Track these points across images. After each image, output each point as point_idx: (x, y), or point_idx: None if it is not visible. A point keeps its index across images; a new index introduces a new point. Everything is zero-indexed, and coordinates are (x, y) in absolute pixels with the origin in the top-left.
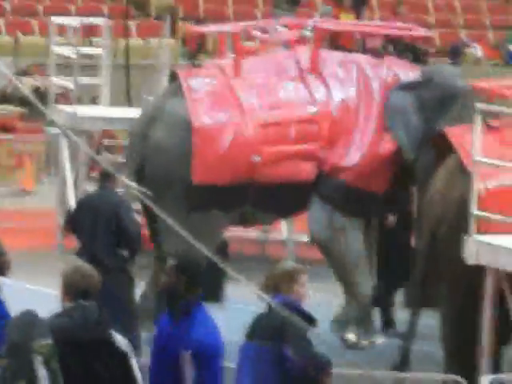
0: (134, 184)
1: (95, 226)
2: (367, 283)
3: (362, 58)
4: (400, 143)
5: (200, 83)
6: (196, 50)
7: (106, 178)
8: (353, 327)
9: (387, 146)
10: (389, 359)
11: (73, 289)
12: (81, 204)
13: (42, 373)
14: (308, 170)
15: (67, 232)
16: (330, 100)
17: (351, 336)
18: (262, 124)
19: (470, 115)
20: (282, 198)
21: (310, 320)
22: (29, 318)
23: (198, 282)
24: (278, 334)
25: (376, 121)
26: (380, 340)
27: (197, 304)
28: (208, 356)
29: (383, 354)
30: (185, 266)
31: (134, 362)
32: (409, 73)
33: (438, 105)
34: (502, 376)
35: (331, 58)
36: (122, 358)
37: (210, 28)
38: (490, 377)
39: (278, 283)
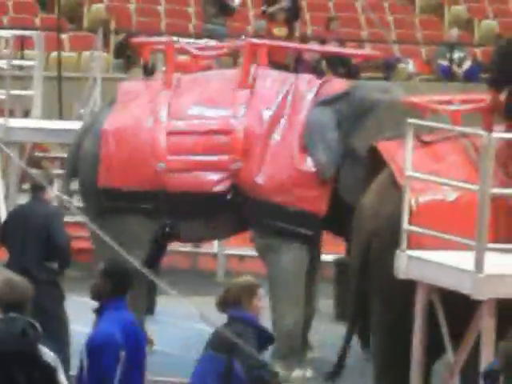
0: (64, 196)
1: (25, 238)
2: (292, 315)
3: (299, 77)
4: (315, 161)
5: (131, 93)
6: (127, 62)
7: (37, 189)
8: (278, 361)
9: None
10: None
11: (2, 301)
12: (11, 215)
13: None
14: (216, 182)
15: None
16: (249, 113)
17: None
18: (170, 132)
19: (390, 128)
20: (194, 209)
21: (268, 336)
22: None
23: (125, 286)
24: (231, 345)
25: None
26: (308, 373)
27: (114, 306)
28: (98, 348)
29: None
30: (112, 270)
31: (62, 377)
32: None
33: (355, 119)
34: None
35: (265, 74)
36: (49, 372)
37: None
38: None
39: (239, 297)
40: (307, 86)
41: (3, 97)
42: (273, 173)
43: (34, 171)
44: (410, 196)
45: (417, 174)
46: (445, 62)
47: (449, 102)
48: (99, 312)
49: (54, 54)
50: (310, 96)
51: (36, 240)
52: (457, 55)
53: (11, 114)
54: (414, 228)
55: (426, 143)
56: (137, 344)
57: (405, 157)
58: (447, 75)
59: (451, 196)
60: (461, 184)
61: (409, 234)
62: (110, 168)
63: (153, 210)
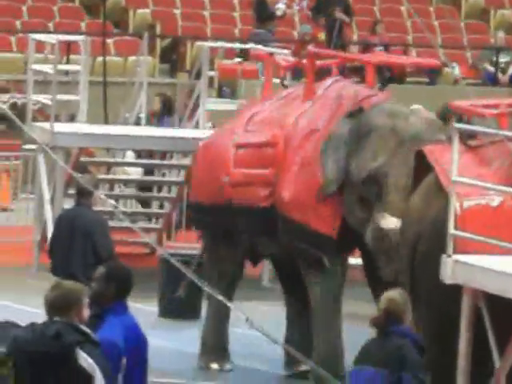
0: (111, 201)
1: (71, 244)
2: (325, 342)
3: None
4: (323, 174)
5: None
6: (173, 66)
7: (82, 194)
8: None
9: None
10: None
11: (46, 305)
12: (59, 221)
13: None
14: (263, 197)
15: (48, 254)
16: (294, 125)
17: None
18: (238, 145)
19: (383, 156)
20: (253, 224)
21: (422, 350)
22: None
23: (126, 290)
24: (398, 360)
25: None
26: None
27: (114, 311)
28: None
29: None
30: (114, 274)
31: None
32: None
33: (356, 140)
34: None
35: (334, 87)
36: (84, 377)
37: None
38: None
39: (402, 311)
40: (345, 101)
41: (49, 102)
42: (295, 188)
43: (79, 176)
44: (455, 200)
45: (462, 179)
46: (490, 67)
47: (495, 106)
48: (100, 317)
49: (100, 58)
50: (343, 112)
51: (81, 246)
52: (503, 59)
53: (57, 119)
54: (459, 233)
55: (471, 147)
56: (138, 348)
57: (450, 161)
58: (493, 80)
59: (496, 200)
60: (506, 188)
61: (454, 239)
62: (194, 183)
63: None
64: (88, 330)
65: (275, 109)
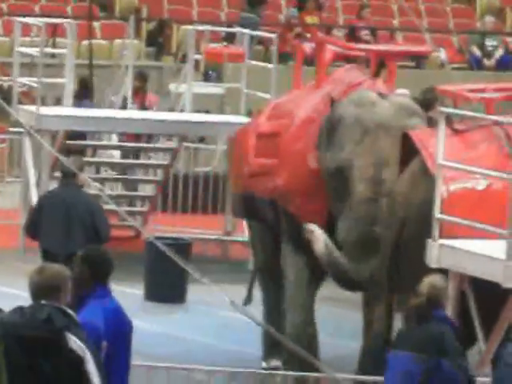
0: (96, 184)
1: (69, 224)
2: (290, 321)
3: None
4: (321, 162)
5: None
6: (159, 50)
7: (68, 175)
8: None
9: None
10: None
11: (32, 288)
12: (44, 204)
13: None
14: (271, 188)
15: (29, 236)
16: (293, 114)
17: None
18: (258, 134)
19: (350, 147)
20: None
21: (462, 336)
22: None
23: (105, 273)
24: (437, 345)
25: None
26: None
27: (94, 294)
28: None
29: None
30: (89, 257)
31: (90, 367)
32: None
33: (326, 132)
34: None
35: (341, 76)
36: (75, 360)
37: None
38: None
39: (443, 296)
40: (342, 88)
41: (35, 85)
42: (287, 177)
43: (64, 158)
44: (441, 184)
45: (448, 163)
46: (477, 51)
47: (482, 91)
48: (80, 300)
49: (86, 42)
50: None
51: (82, 226)
52: (489, 43)
53: (43, 102)
54: (445, 217)
55: (458, 131)
56: (120, 331)
57: (437, 145)
58: (479, 64)
59: (482, 184)
60: (492, 172)
61: (440, 223)
62: (231, 172)
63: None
64: (72, 313)
65: (294, 98)
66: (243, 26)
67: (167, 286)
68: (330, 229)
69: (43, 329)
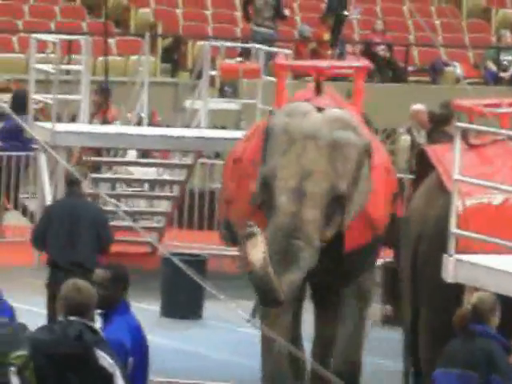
0: (113, 200)
1: (75, 232)
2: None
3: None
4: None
5: None
6: (174, 66)
7: (72, 184)
8: None
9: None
10: None
11: (66, 304)
12: (51, 213)
13: (14, 382)
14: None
15: (38, 249)
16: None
17: None
18: (234, 159)
19: (275, 158)
20: None
21: (509, 350)
22: (8, 330)
23: (127, 289)
24: (487, 362)
25: None
26: None
27: (120, 310)
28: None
29: None
30: (121, 275)
31: (119, 383)
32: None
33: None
34: None
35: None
36: (105, 377)
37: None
38: None
39: (486, 312)
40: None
41: (50, 101)
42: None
43: (69, 166)
44: (457, 199)
45: (465, 178)
46: (492, 66)
47: (497, 106)
48: (105, 316)
49: (101, 58)
50: None
51: (88, 235)
52: (505, 58)
53: (58, 119)
54: (461, 231)
55: (473, 146)
56: (142, 348)
57: (452, 160)
58: (495, 78)
59: (498, 199)
60: (508, 187)
61: (456, 238)
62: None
63: None
64: (99, 330)
65: None
66: (258, 41)
67: (183, 302)
68: None
69: (74, 345)
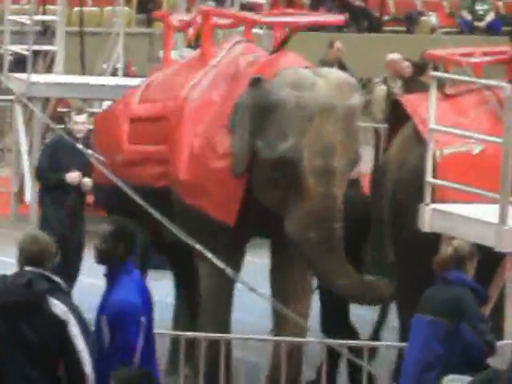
0: (89, 151)
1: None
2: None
3: (245, 57)
4: (233, 151)
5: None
6: (149, 17)
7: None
8: None
9: (222, 160)
10: None
11: (21, 255)
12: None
13: None
14: (156, 175)
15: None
16: (187, 96)
17: None
18: (132, 118)
19: (293, 134)
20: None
21: (484, 297)
22: None
23: (134, 248)
24: (456, 310)
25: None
26: None
27: (126, 269)
28: (120, 317)
29: None
30: (123, 233)
31: (74, 330)
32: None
33: (259, 115)
34: None
35: (231, 52)
36: (58, 324)
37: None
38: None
39: (463, 259)
40: (246, 67)
41: (26, 52)
42: (191, 168)
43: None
44: (433, 149)
45: (440, 127)
46: (467, 15)
47: (471, 55)
48: (110, 276)
49: (77, 9)
50: (245, 79)
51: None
52: (480, 8)
53: (34, 70)
54: (437, 181)
55: (448, 96)
56: (149, 303)
57: (428, 109)
58: (470, 28)
59: (475, 149)
60: (484, 137)
61: (432, 187)
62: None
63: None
64: (59, 280)
65: (171, 78)
66: None
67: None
68: (248, 223)
69: (22, 293)
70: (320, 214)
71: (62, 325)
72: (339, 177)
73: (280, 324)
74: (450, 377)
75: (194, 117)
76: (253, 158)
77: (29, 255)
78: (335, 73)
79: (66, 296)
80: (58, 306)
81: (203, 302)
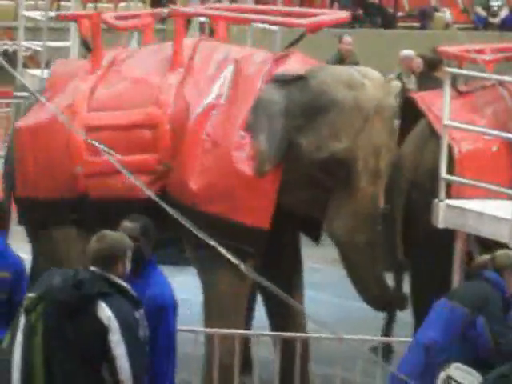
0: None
1: None
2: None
3: (245, 57)
4: (258, 149)
5: (64, 76)
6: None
7: None
8: None
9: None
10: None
11: (87, 255)
12: None
13: (22, 323)
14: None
15: None
16: (177, 100)
17: None
18: (89, 127)
19: (346, 135)
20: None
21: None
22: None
23: (153, 245)
24: (480, 303)
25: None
26: None
27: (154, 265)
28: (158, 311)
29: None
30: (148, 227)
31: (115, 338)
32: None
33: (306, 113)
34: None
35: (206, 50)
36: (100, 329)
37: None
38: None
39: (505, 267)
40: (256, 67)
41: (40, 48)
42: (206, 175)
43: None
44: (448, 145)
45: (454, 123)
46: (482, 12)
47: (483, 52)
48: (136, 271)
49: (91, 5)
50: (259, 78)
51: None
52: (495, 3)
53: (47, 66)
54: (451, 177)
55: (462, 93)
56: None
57: (442, 106)
58: (484, 24)
59: (491, 145)
60: (499, 133)
61: (448, 184)
62: (23, 175)
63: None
64: (121, 283)
65: (127, 81)
66: None
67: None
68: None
69: (71, 294)
70: (368, 214)
71: (103, 330)
72: (382, 179)
73: (286, 323)
74: (455, 365)
75: (203, 121)
76: (286, 157)
77: (93, 255)
78: (374, 72)
79: (120, 301)
80: (104, 311)
81: (217, 315)
